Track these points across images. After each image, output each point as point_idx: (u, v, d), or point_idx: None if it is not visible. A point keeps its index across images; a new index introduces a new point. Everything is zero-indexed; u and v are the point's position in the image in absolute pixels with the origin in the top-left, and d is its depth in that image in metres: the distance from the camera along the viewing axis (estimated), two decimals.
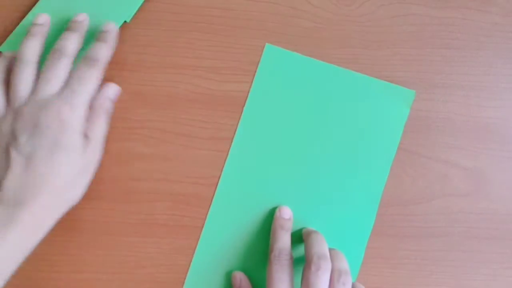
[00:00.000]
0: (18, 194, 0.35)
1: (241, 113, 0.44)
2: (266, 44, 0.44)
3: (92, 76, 0.39)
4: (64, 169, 0.37)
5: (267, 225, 0.42)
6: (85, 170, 0.39)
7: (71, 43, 0.39)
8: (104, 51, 0.40)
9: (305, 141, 0.43)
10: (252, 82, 0.44)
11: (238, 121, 0.44)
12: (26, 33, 0.40)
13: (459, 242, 0.44)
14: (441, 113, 0.45)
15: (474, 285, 0.44)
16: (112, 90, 0.42)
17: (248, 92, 0.44)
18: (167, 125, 0.44)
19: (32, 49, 0.39)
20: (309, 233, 0.40)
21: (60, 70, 0.38)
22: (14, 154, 0.36)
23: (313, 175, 0.43)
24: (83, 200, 0.42)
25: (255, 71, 0.44)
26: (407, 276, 0.42)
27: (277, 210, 0.42)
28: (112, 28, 0.41)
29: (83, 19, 0.42)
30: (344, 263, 0.39)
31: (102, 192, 0.42)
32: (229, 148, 0.43)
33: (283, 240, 0.40)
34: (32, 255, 0.42)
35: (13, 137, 0.36)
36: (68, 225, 0.42)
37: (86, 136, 0.38)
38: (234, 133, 0.43)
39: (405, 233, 0.43)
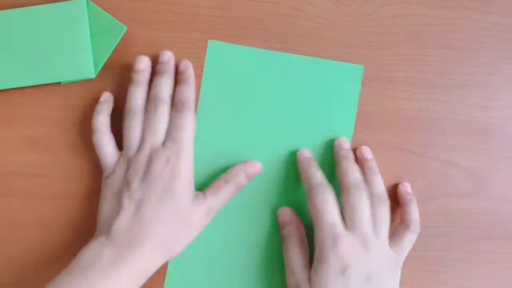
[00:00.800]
0: (128, 237, 0.37)
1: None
2: (209, 40, 0.44)
3: (187, 121, 0.40)
4: (169, 215, 0.38)
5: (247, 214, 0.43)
6: (188, 227, 0.39)
7: (165, 88, 0.41)
8: (189, 93, 0.41)
9: (263, 132, 0.43)
10: (201, 82, 0.43)
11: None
12: None
13: (459, 242, 0.44)
14: (441, 113, 0.45)
15: (474, 285, 0.44)
16: (255, 168, 0.42)
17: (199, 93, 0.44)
18: None
19: (139, 98, 0.41)
20: (340, 159, 0.42)
21: (161, 117, 0.40)
22: (125, 199, 0.38)
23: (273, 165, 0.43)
24: (84, 200, 0.42)
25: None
26: (407, 276, 0.42)
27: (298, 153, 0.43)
28: (188, 66, 0.43)
29: (169, 58, 0.43)
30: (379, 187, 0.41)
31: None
32: None
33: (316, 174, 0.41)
34: (32, 256, 0.42)
35: (125, 183, 0.38)
36: (68, 225, 0.42)
37: (204, 196, 0.40)
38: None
39: None
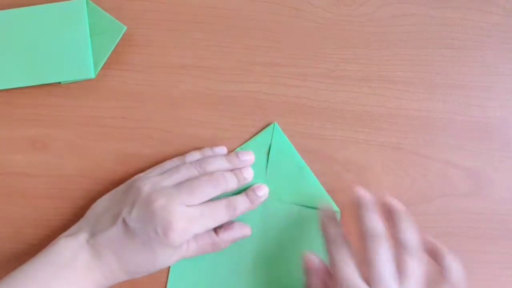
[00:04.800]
0: (103, 251, 0.38)
1: (240, 113, 0.44)
2: None
3: (223, 216, 0.39)
4: (143, 262, 0.38)
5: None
6: (157, 264, 0.39)
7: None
8: (244, 208, 0.41)
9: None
10: None
11: (239, 121, 0.44)
12: None
13: (459, 242, 0.44)
14: (441, 113, 0.45)
15: (474, 285, 0.44)
16: (238, 232, 0.42)
17: None
18: (167, 125, 0.44)
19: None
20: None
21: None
22: (120, 217, 0.38)
23: None
24: (83, 200, 0.42)
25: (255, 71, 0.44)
26: None
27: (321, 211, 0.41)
28: (265, 193, 0.42)
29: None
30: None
31: (102, 192, 0.42)
32: (230, 148, 0.43)
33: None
34: (32, 256, 0.42)
35: (131, 203, 0.38)
36: (68, 225, 0.42)
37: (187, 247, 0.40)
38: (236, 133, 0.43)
39: None
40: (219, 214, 0.39)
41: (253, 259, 0.42)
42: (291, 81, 0.44)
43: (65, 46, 0.42)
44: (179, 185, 0.39)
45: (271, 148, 0.43)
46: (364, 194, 0.39)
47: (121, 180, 0.43)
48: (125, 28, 0.42)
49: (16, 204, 0.43)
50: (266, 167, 0.43)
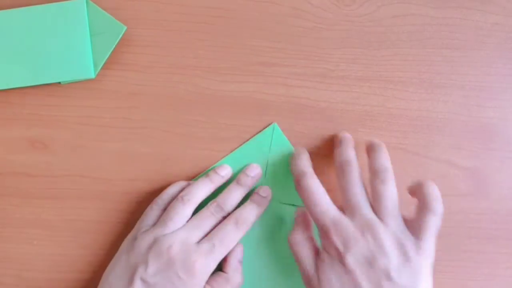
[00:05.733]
0: None
1: (239, 113, 0.44)
2: None
3: (236, 238, 0.39)
4: None
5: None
6: None
7: (232, 200, 0.40)
8: (255, 215, 0.40)
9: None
10: None
11: (239, 121, 0.44)
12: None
13: (459, 242, 0.44)
14: (441, 113, 0.45)
15: (474, 285, 0.44)
16: (239, 251, 0.41)
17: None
18: (167, 125, 0.44)
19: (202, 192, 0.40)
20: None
21: (207, 221, 0.39)
22: (137, 277, 0.36)
23: None
24: (84, 200, 0.42)
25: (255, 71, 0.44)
26: None
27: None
28: (269, 194, 0.42)
29: (256, 174, 0.42)
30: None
31: (102, 192, 0.43)
32: (230, 148, 0.43)
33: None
34: (32, 256, 0.42)
35: (143, 260, 0.37)
36: (68, 225, 0.42)
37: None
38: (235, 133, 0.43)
39: None
40: (230, 236, 0.39)
41: (252, 260, 0.42)
42: (291, 81, 0.44)
43: (65, 46, 0.42)
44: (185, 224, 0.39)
45: (271, 149, 0.43)
46: (344, 134, 0.42)
47: (121, 180, 0.43)
48: (125, 28, 0.42)
49: (16, 204, 0.43)
50: (266, 168, 0.43)
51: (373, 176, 0.38)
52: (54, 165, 0.43)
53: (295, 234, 0.40)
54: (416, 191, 0.39)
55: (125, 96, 0.43)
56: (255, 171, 0.42)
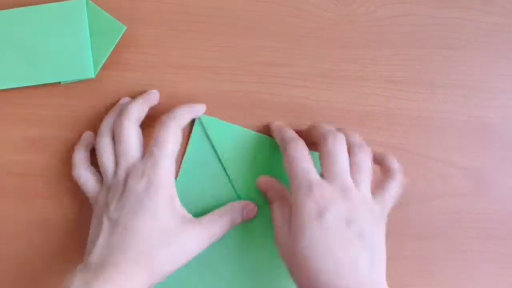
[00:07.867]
0: (104, 257, 0.35)
1: (240, 113, 0.44)
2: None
3: (168, 134, 0.38)
4: (147, 230, 0.36)
5: None
6: (176, 246, 0.37)
7: (135, 110, 0.40)
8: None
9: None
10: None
11: (239, 121, 0.44)
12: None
13: (459, 242, 0.44)
14: (441, 113, 0.45)
15: (474, 285, 0.44)
16: (251, 208, 0.41)
17: None
18: None
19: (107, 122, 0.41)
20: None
21: (131, 136, 0.39)
22: (104, 220, 0.37)
23: None
24: (83, 200, 0.42)
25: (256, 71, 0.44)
26: (407, 276, 0.42)
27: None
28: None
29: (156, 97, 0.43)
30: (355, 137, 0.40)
31: None
32: None
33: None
34: (32, 256, 0.42)
35: (105, 205, 0.38)
36: (68, 224, 0.42)
37: (200, 222, 0.38)
38: None
39: (405, 233, 0.43)
40: (161, 132, 0.39)
41: (224, 259, 0.42)
42: (291, 81, 0.44)
43: (65, 46, 0.42)
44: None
45: (212, 141, 0.43)
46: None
47: None
48: (125, 28, 0.42)
49: (16, 204, 0.42)
50: (223, 166, 0.43)
51: (352, 146, 0.39)
52: (54, 165, 0.43)
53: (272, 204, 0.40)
54: (380, 160, 0.40)
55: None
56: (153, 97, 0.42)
